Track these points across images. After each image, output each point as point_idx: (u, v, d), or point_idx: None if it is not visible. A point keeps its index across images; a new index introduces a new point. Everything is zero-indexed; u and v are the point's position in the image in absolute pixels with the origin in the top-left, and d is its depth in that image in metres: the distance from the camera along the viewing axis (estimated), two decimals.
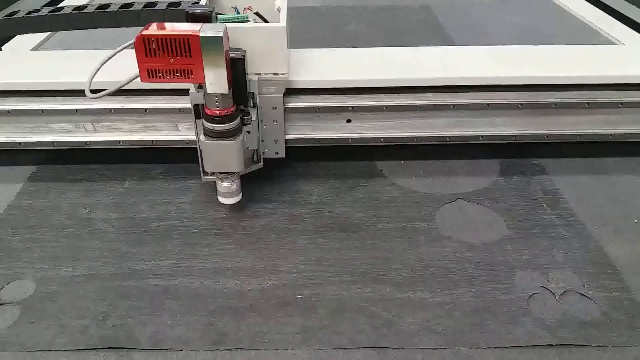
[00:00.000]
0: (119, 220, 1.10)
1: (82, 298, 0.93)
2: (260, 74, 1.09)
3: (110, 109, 1.17)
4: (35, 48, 1.47)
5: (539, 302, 0.92)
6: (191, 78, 0.92)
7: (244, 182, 1.13)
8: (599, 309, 0.91)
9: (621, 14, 1.75)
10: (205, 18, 0.97)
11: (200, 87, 0.98)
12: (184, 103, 1.15)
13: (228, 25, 0.97)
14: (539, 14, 1.94)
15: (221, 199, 1.10)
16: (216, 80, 0.93)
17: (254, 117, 1.06)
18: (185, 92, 1.04)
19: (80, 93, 1.08)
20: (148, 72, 0.92)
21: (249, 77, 1.03)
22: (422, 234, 1.07)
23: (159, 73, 0.92)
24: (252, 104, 1.07)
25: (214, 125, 0.99)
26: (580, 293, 0.94)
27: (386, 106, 1.19)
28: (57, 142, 1.21)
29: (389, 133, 1.23)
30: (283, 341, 0.85)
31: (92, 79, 0.99)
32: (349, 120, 1.21)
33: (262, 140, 1.17)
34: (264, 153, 1.19)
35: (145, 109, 1.17)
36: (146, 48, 0.89)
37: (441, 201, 1.15)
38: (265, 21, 1.13)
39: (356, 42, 1.73)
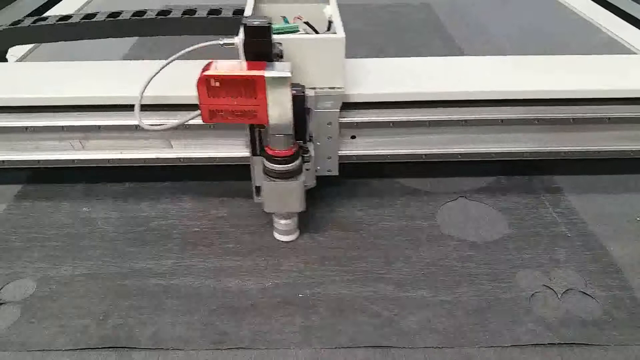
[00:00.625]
0: (120, 220, 1.09)
1: (83, 298, 0.92)
2: (315, 88, 1.02)
3: (99, 126, 1.09)
4: (20, 59, 1.41)
5: (540, 301, 0.92)
6: (255, 118, 0.89)
7: (245, 183, 1.13)
8: (601, 307, 0.90)
9: (617, 7, 1.74)
10: (264, 30, 0.89)
11: (263, 127, 0.95)
12: (177, 120, 1.05)
13: (282, 36, 0.93)
14: (539, 11, 1.94)
15: (277, 236, 1.06)
16: (281, 120, 0.89)
17: (312, 153, 1.00)
18: (183, 107, 0.99)
19: (66, 109, 1.06)
20: (210, 113, 0.88)
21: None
22: (423, 232, 1.06)
23: (221, 113, 0.88)
24: (309, 139, 1.00)
25: (276, 165, 0.94)
26: (582, 292, 0.93)
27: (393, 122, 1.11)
28: (43, 160, 1.13)
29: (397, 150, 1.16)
30: (284, 340, 0.85)
31: (141, 97, 0.95)
32: (353, 137, 1.14)
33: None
34: (316, 171, 1.11)
35: (136, 126, 1.03)
36: (208, 88, 0.86)
37: (443, 200, 1.15)
38: (316, 31, 1.08)
39: (357, 41, 1.73)
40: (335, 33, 1.00)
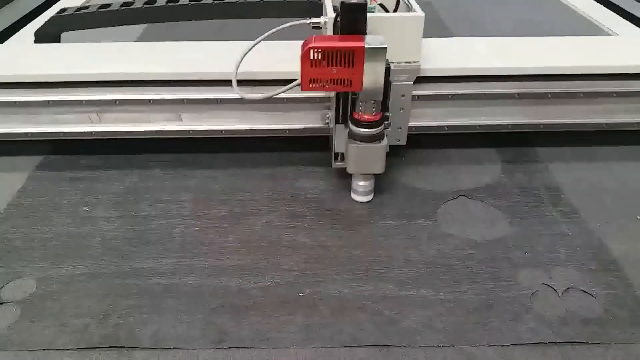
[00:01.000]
0: (120, 219, 1.09)
1: (83, 297, 0.92)
2: (393, 62, 1.09)
3: (115, 100, 1.19)
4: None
5: (541, 299, 0.92)
6: (350, 87, 0.97)
7: (245, 180, 1.13)
8: (601, 306, 0.90)
9: (615, 4, 1.74)
10: (362, 7, 0.97)
11: (355, 94, 1.02)
12: (187, 94, 1.17)
13: (370, 15, 0.99)
14: (541, 9, 1.94)
15: (355, 197, 1.15)
16: (374, 87, 0.98)
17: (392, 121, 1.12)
18: (188, 83, 1.07)
19: (85, 85, 1.16)
20: (310, 80, 0.97)
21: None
22: (424, 231, 1.06)
23: (320, 82, 0.97)
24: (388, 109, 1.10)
25: (363, 130, 1.03)
26: (583, 290, 0.93)
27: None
28: (63, 132, 1.23)
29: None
30: (285, 339, 0.85)
31: (237, 70, 1.04)
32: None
33: None
34: None
35: (150, 100, 1.19)
36: (311, 59, 0.94)
37: (443, 198, 1.15)
38: (387, 11, 1.17)
39: None
40: (414, 11, 1.09)
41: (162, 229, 1.07)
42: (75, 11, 1.34)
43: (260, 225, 1.08)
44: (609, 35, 1.51)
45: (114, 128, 1.22)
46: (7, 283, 0.95)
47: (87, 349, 0.83)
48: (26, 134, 1.23)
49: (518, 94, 1.21)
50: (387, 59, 0.98)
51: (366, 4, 0.97)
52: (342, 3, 0.97)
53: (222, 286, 0.95)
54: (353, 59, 0.94)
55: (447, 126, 1.25)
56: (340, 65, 0.95)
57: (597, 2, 1.80)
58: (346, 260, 1.00)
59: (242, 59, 1.05)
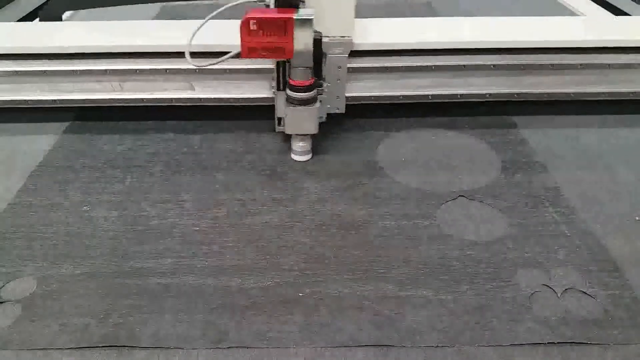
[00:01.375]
0: (120, 219, 1.10)
1: (83, 296, 0.93)
2: (328, 36, 1.21)
3: (135, 70, 1.31)
4: (68, 18, 1.65)
5: (540, 300, 0.92)
6: (284, 54, 1.10)
7: (246, 180, 1.14)
8: (600, 306, 0.91)
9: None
10: None
11: (288, 61, 1.15)
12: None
13: None
14: (543, 11, 1.94)
15: (295, 157, 1.27)
16: (303, 54, 1.11)
17: (325, 88, 1.26)
18: (199, 55, 1.17)
19: (107, 56, 1.29)
20: (248, 49, 1.09)
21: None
22: (423, 231, 1.07)
23: (258, 50, 1.09)
24: (323, 77, 1.25)
25: (297, 94, 1.16)
26: (582, 291, 0.94)
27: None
28: (87, 99, 1.35)
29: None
30: (284, 339, 0.85)
31: (190, 43, 1.16)
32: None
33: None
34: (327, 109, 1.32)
35: (166, 70, 1.31)
36: (248, 29, 1.06)
37: (442, 199, 1.15)
38: None
39: None
40: None
41: (162, 228, 1.07)
42: None
43: (260, 225, 1.08)
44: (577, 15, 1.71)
45: (134, 96, 1.35)
46: (8, 282, 0.95)
47: (87, 348, 0.84)
48: (54, 100, 1.35)
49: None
50: (320, 32, 1.14)
51: None
52: None
53: (222, 286, 0.95)
54: (285, 28, 1.07)
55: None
56: (274, 35, 1.07)
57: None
58: (346, 260, 1.00)
59: (194, 34, 1.17)
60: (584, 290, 0.94)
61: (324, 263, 0.99)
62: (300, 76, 1.15)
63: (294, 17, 1.07)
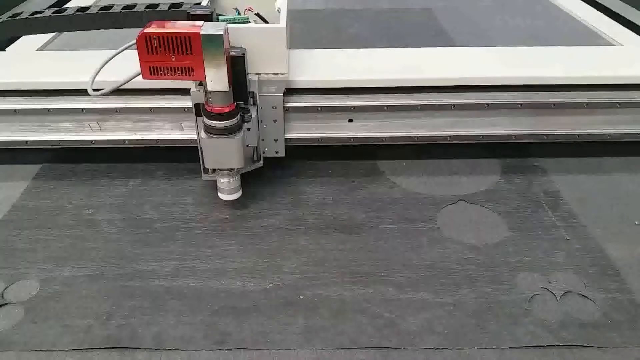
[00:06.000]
0: (123, 221, 1.10)
1: (86, 298, 0.93)
2: (260, 73, 1.09)
3: (116, 108, 1.19)
4: (41, 49, 1.48)
5: (540, 303, 0.93)
6: (192, 75, 0.93)
7: (247, 183, 1.14)
8: (599, 310, 0.91)
9: (620, 15, 1.76)
10: (207, 18, 0.98)
11: (202, 84, 0.99)
12: (188, 103, 1.15)
13: (228, 25, 0.97)
14: (541, 16, 1.95)
15: (221, 196, 1.11)
16: (217, 77, 0.94)
17: (253, 115, 1.06)
18: (188, 92, 1.04)
19: (85, 92, 1.09)
20: (150, 70, 0.93)
21: (249, 76, 1.04)
22: (424, 235, 1.07)
23: (161, 70, 0.93)
24: (252, 102, 1.08)
25: (214, 122, 1.00)
26: (581, 294, 0.94)
27: (387, 106, 1.19)
28: (63, 140, 1.23)
29: (390, 132, 1.23)
30: (285, 341, 0.86)
31: (94, 78, 1.02)
32: (350, 120, 1.21)
33: (262, 139, 1.18)
34: (264, 152, 1.20)
35: (150, 109, 1.19)
36: (148, 46, 0.90)
37: (443, 203, 1.16)
38: (266, 22, 1.15)
39: (358, 45, 1.74)
40: (278, 23, 1.08)
41: (164, 231, 1.08)
42: (28, 16, 1.25)
43: (262, 228, 1.09)
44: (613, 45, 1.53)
45: (114, 137, 1.22)
46: (11, 284, 0.96)
47: (90, 350, 0.84)
48: (26, 142, 1.22)
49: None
50: (242, 47, 0.99)
51: (211, 14, 1.00)
52: (187, 14, 1.02)
53: (224, 288, 0.95)
54: (190, 45, 0.90)
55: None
56: (179, 53, 0.91)
57: (600, 11, 1.82)
58: (346, 263, 1.01)
59: (102, 67, 1.03)
60: (584, 294, 0.94)
61: (325, 266, 1.00)
62: (216, 101, 0.98)
63: (201, 32, 0.89)
